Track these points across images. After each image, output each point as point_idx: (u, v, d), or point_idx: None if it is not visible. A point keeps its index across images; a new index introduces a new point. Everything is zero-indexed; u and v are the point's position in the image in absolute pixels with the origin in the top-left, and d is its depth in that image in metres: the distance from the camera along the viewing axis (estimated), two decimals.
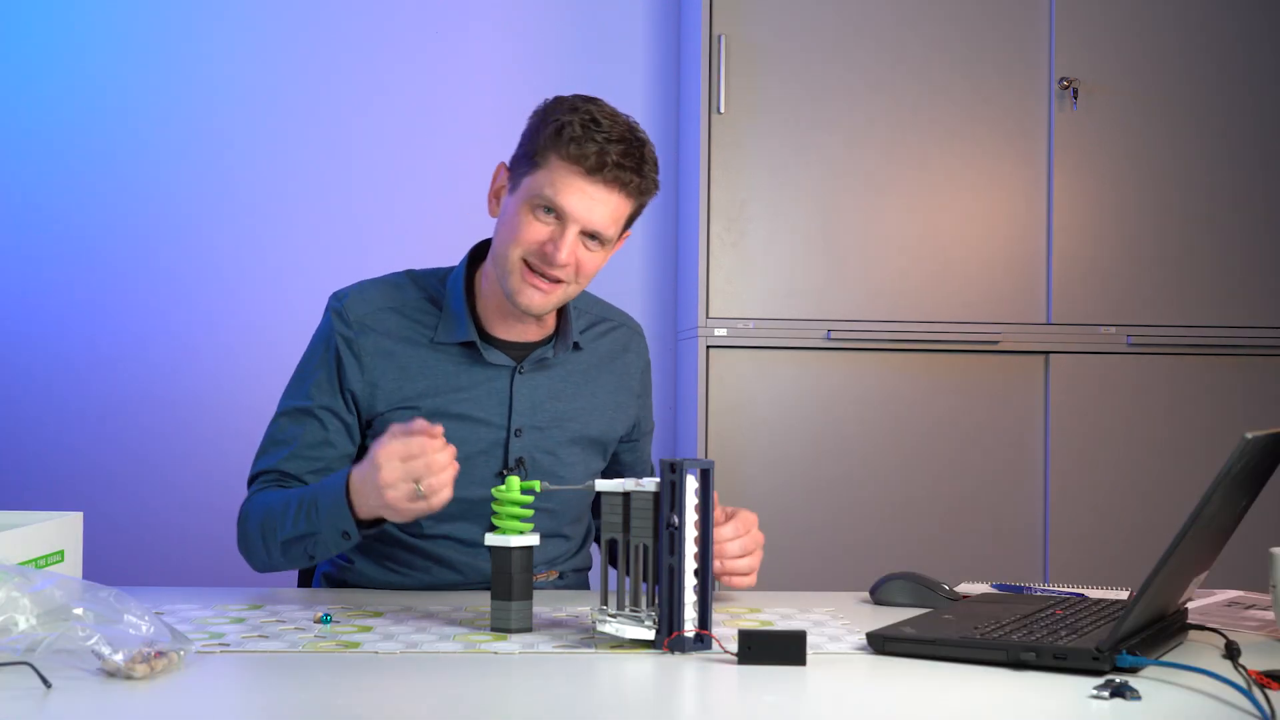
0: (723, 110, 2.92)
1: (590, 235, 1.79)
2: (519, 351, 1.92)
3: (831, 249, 2.95)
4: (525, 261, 1.80)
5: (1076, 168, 2.99)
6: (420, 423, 1.61)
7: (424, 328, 1.90)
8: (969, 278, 2.97)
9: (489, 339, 1.91)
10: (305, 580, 2.12)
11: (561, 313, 1.95)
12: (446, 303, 1.91)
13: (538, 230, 1.79)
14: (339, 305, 1.92)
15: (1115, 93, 3.00)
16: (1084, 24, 2.99)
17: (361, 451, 1.93)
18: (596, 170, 1.75)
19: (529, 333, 1.92)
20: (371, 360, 1.88)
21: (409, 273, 1.97)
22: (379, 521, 1.72)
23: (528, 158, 1.80)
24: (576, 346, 1.96)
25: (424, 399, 1.88)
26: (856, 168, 2.95)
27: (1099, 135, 2.99)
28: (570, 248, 1.78)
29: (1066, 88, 2.97)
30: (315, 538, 1.74)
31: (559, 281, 1.81)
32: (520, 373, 1.91)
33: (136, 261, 3.24)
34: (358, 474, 1.67)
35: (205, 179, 3.25)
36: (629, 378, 2.03)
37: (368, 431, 1.91)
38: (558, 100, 1.82)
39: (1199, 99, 3.02)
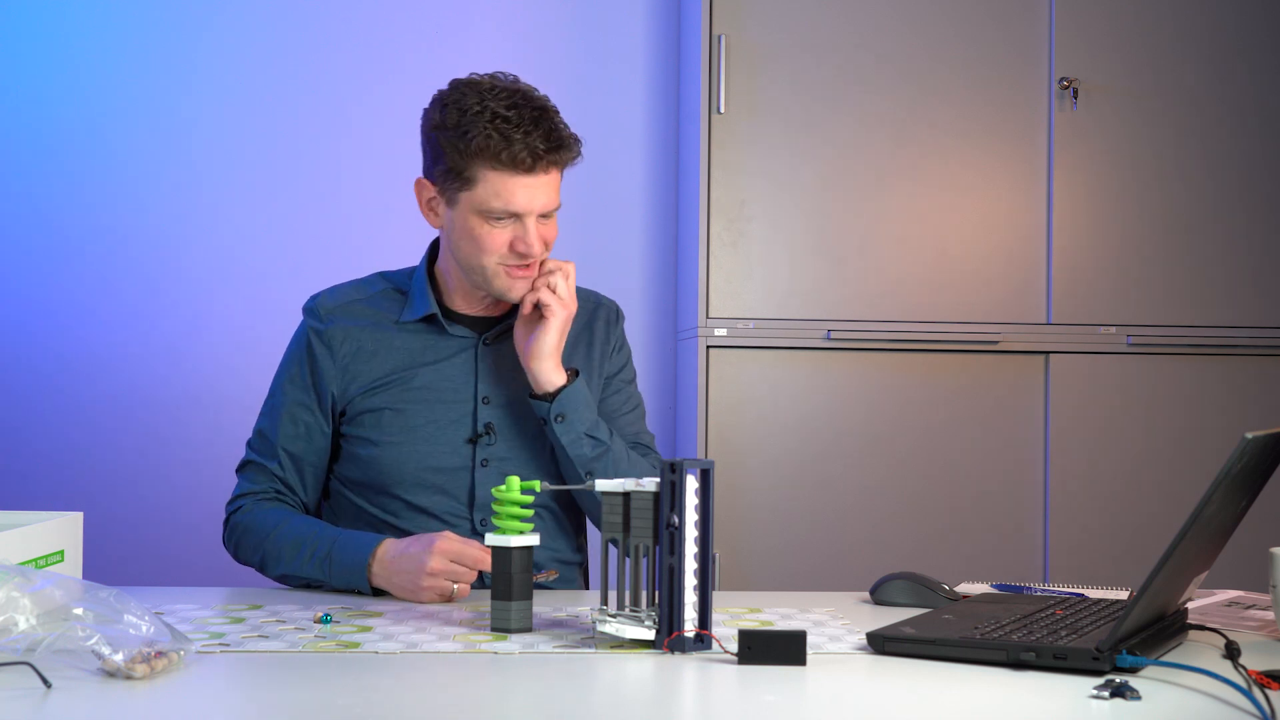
0: (723, 110, 2.92)
1: (544, 215, 1.88)
2: (483, 327, 1.99)
3: (831, 249, 2.95)
4: (502, 264, 1.89)
5: (1076, 168, 2.99)
6: (479, 545, 1.75)
7: (389, 312, 2.00)
8: (969, 278, 2.97)
9: (452, 316, 1.99)
10: None
11: None
12: (410, 287, 2.01)
13: (500, 236, 1.87)
14: (312, 304, 2.03)
15: (1115, 93, 3.00)
16: (1084, 24, 2.99)
17: (335, 449, 2.01)
18: (532, 167, 1.83)
19: (492, 308, 1.99)
20: (342, 346, 1.97)
21: (381, 273, 2.08)
22: None
23: (454, 173, 1.86)
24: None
25: (392, 376, 1.96)
26: (856, 167, 2.95)
27: (1099, 135, 2.99)
28: (536, 236, 1.87)
29: (1066, 88, 2.97)
30: (322, 583, 1.86)
31: (535, 260, 1.91)
32: (485, 344, 1.98)
33: (137, 261, 3.24)
34: (394, 547, 1.80)
35: (205, 178, 3.25)
36: (599, 345, 2.06)
37: (341, 420, 1.99)
38: (453, 107, 1.86)
39: (1199, 99, 3.02)
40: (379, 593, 1.81)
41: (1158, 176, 3.01)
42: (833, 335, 2.92)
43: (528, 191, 1.84)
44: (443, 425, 1.95)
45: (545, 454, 1.97)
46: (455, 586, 1.75)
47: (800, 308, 2.94)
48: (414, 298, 1.99)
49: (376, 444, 1.94)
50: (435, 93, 1.92)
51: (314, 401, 1.98)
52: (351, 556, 1.81)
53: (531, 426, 1.97)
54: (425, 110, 1.93)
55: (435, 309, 1.96)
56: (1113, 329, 2.98)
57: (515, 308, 1.97)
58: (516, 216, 1.86)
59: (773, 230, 2.94)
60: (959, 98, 2.97)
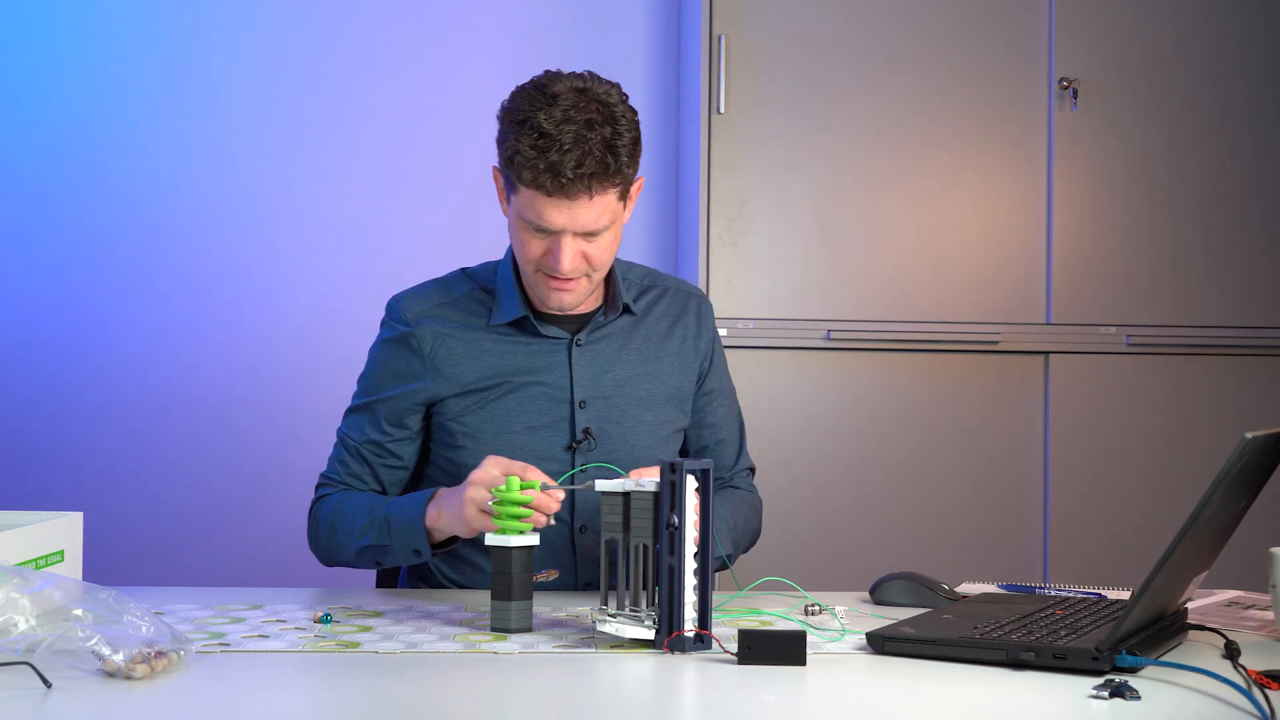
0: (723, 110, 2.92)
1: (587, 233, 1.80)
2: (574, 326, 1.93)
3: (831, 249, 2.95)
4: (540, 272, 1.84)
5: (1076, 168, 2.99)
6: (521, 464, 1.66)
7: (478, 316, 1.93)
8: (969, 278, 2.97)
9: (542, 316, 1.92)
10: (390, 581, 2.12)
11: (608, 280, 1.95)
12: (497, 288, 1.94)
13: (535, 246, 1.81)
14: (396, 305, 1.96)
15: (1115, 93, 3.00)
16: (1084, 24, 2.99)
17: (425, 453, 1.97)
18: (559, 190, 1.74)
19: (579, 305, 1.93)
20: (432, 349, 1.90)
21: (463, 270, 2.00)
22: (451, 542, 1.80)
23: (505, 175, 1.82)
24: (628, 310, 1.96)
25: (486, 380, 1.89)
26: (856, 168, 2.95)
27: (1099, 135, 2.99)
28: (570, 256, 1.79)
29: (1066, 88, 2.97)
30: (386, 550, 1.82)
31: (575, 278, 1.84)
32: (578, 345, 1.92)
33: (137, 261, 3.24)
34: (447, 490, 1.76)
35: (210, 181, 3.25)
36: (691, 339, 2.01)
37: (431, 424, 1.94)
38: (509, 112, 1.79)
39: (1199, 99, 3.02)
40: (439, 547, 1.77)
41: (1158, 177, 3.01)
42: (833, 335, 2.92)
43: (558, 211, 1.76)
44: (539, 431, 1.89)
45: (645, 456, 1.91)
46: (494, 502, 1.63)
47: (800, 308, 2.94)
48: (502, 299, 1.92)
49: (470, 451, 1.88)
50: (518, 85, 1.83)
51: (398, 400, 1.91)
52: (408, 514, 1.77)
53: (631, 426, 1.91)
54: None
55: (526, 311, 1.90)
56: (1113, 329, 2.98)
57: (604, 305, 1.93)
58: (552, 233, 1.79)
59: (773, 230, 2.94)
60: (959, 98, 2.97)
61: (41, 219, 3.23)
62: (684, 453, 2.06)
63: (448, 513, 1.73)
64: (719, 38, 2.91)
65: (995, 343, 2.96)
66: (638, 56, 3.32)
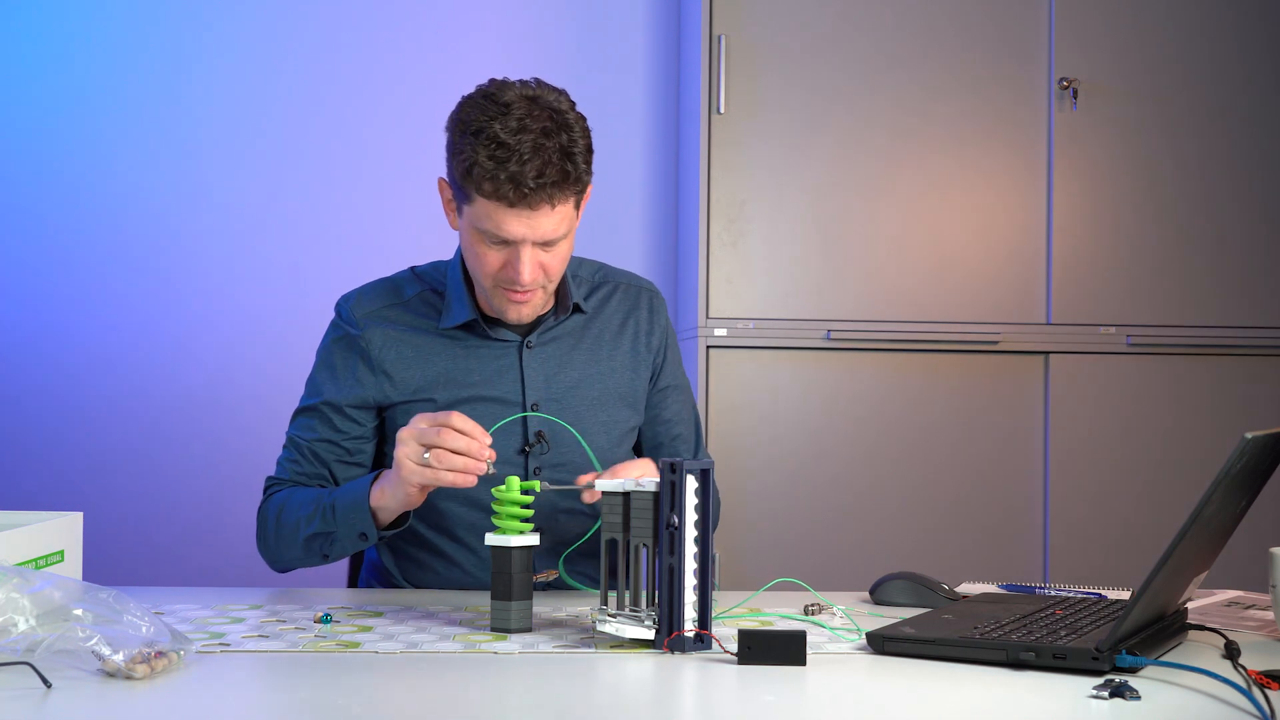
0: (723, 110, 2.92)
1: (545, 242, 1.79)
2: (524, 328, 1.93)
3: (831, 249, 2.95)
4: (498, 285, 1.82)
5: (1076, 168, 2.99)
6: (455, 415, 1.65)
7: (429, 318, 1.92)
8: (969, 278, 2.97)
9: (491, 320, 1.92)
10: (353, 581, 2.11)
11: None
12: (447, 290, 1.93)
13: (493, 259, 1.80)
14: (344, 307, 1.95)
15: (1115, 93, 3.00)
16: (1084, 24, 2.99)
17: (379, 452, 1.96)
18: (521, 200, 1.73)
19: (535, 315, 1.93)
20: (380, 353, 1.90)
21: (413, 269, 1.99)
22: (399, 524, 1.78)
23: (457, 186, 1.79)
24: (579, 309, 1.96)
25: (437, 385, 1.89)
26: (856, 167, 2.96)
27: (1099, 135, 2.99)
28: (529, 266, 1.78)
29: (1066, 88, 2.97)
30: (331, 538, 1.80)
31: (533, 289, 1.83)
32: (529, 347, 1.92)
33: (137, 261, 3.24)
34: (389, 470, 1.73)
35: (208, 179, 3.25)
36: (643, 335, 2.00)
37: (383, 427, 1.93)
38: (460, 123, 1.77)
39: (1199, 99, 3.02)
40: (388, 529, 1.76)
41: (1158, 176, 3.01)
42: (833, 335, 2.92)
43: (518, 222, 1.74)
44: (494, 436, 1.87)
45: (598, 457, 1.89)
46: (429, 453, 1.64)
47: (800, 308, 2.94)
48: (452, 303, 1.91)
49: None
50: (464, 95, 1.82)
51: (347, 401, 1.90)
52: (350, 498, 1.76)
53: (586, 427, 1.90)
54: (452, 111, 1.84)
55: (475, 315, 1.89)
56: (1113, 329, 2.98)
57: (555, 308, 1.93)
58: (509, 244, 1.77)
59: (773, 230, 2.94)
60: (959, 98, 2.97)
61: (41, 219, 3.23)
62: (638, 450, 2.04)
63: (389, 487, 1.72)
64: (719, 38, 2.91)
65: (995, 343, 2.96)
66: (638, 56, 3.32)
